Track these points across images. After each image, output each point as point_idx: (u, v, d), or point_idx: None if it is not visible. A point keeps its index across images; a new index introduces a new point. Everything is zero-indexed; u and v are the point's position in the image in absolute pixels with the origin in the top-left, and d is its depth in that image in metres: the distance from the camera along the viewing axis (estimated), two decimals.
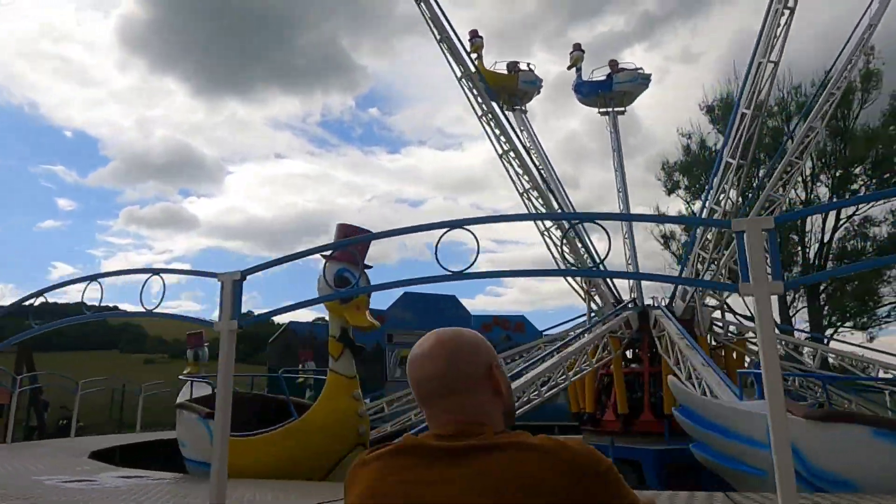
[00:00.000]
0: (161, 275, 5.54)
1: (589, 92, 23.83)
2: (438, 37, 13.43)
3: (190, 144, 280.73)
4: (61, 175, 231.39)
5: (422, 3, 13.83)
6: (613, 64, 24.16)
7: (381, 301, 28.46)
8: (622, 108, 24.02)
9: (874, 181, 27.37)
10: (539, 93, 23.94)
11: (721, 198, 15.43)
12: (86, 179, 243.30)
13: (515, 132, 16.37)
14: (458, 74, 13.44)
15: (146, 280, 5.55)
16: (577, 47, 24.62)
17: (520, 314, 27.43)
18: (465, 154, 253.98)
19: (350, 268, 7.77)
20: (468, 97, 13.72)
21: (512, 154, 15.11)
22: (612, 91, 23.50)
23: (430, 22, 13.33)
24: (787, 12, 14.33)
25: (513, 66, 23.21)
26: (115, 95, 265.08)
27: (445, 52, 13.39)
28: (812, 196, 29.00)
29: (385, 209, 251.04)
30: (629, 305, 16.00)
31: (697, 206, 30.88)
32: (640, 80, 24.11)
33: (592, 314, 17.33)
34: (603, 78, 24.06)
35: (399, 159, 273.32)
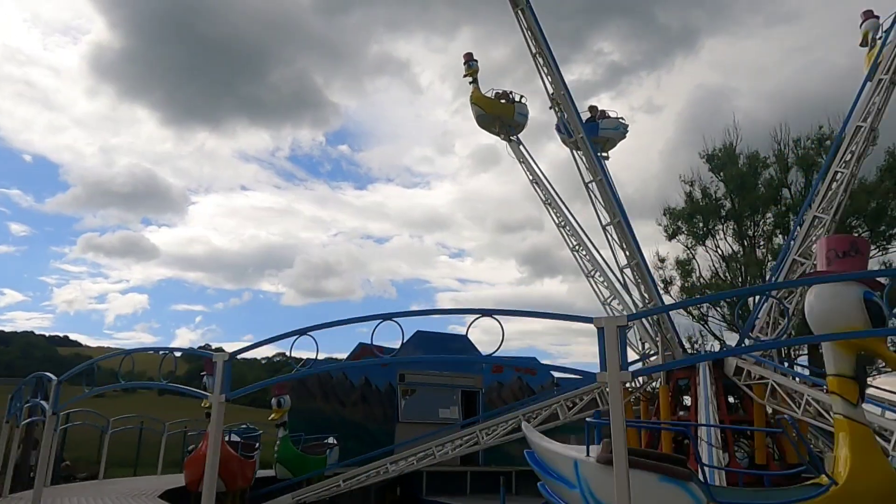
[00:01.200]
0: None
1: (573, 133, 23.69)
2: (534, 50, 12.60)
3: (156, 173, 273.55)
4: (16, 199, 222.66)
5: (520, 11, 12.89)
6: (594, 109, 24.04)
7: (390, 337, 27.45)
8: (606, 154, 23.94)
9: (871, 232, 28.18)
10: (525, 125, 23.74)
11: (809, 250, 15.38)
12: (43, 205, 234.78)
13: (601, 162, 15.70)
14: (551, 92, 12.69)
15: (473, 319, 4.86)
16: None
17: (531, 356, 26.86)
18: (431, 192, 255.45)
19: (874, 291, 6.07)
20: (558, 117, 12.87)
21: (598, 182, 14.39)
22: (597, 135, 23.30)
23: (525, 32, 12.50)
24: (892, 86, 14.63)
25: (503, 95, 22.98)
26: (79, 121, 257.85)
27: (540, 67, 12.56)
28: None
29: (350, 245, 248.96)
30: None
31: (699, 251, 31.28)
32: (622, 129, 24.17)
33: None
34: (585, 119, 23.88)
35: (366, 195, 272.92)
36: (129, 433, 19.46)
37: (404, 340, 7.37)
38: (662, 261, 32.19)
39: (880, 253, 28.23)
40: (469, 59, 23.10)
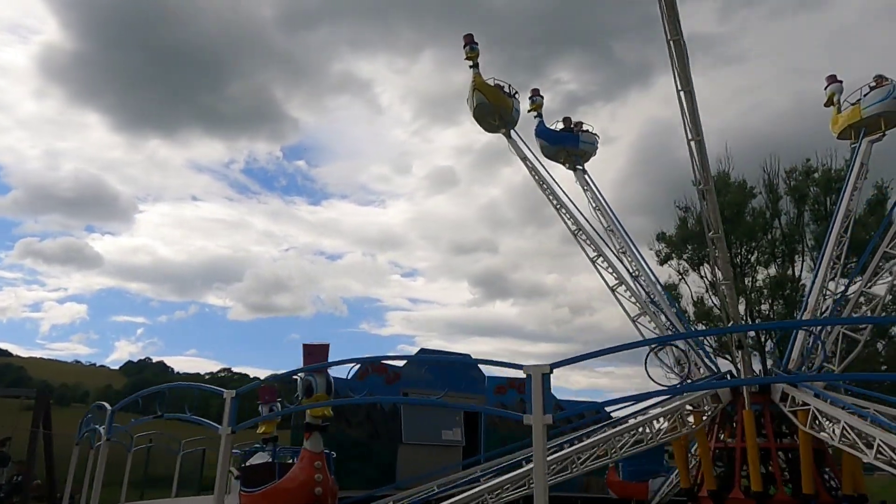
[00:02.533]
0: None
1: (555, 141, 22.42)
2: (669, 37, 11.77)
3: (103, 180, 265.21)
4: None
5: (680, 87, 11.96)
6: (567, 120, 23.15)
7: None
8: (583, 167, 22.46)
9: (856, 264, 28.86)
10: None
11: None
12: None
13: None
14: (679, 87, 11.95)
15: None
16: (536, 92, 23.57)
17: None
18: (386, 211, 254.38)
19: None
20: (684, 112, 12.21)
21: (707, 191, 13.82)
22: (578, 148, 22.37)
23: (664, 13, 11.54)
24: None
25: (499, 88, 21.86)
26: (24, 123, 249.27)
27: (672, 50, 11.70)
28: (794, 273, 30.18)
29: (302, 260, 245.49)
30: (728, 377, 15.51)
31: (692, 277, 31.57)
32: (596, 144, 23.28)
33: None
34: (559, 129, 23.01)
35: (320, 211, 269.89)
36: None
37: None
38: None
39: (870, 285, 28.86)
40: (470, 42, 21.51)
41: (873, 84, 18.55)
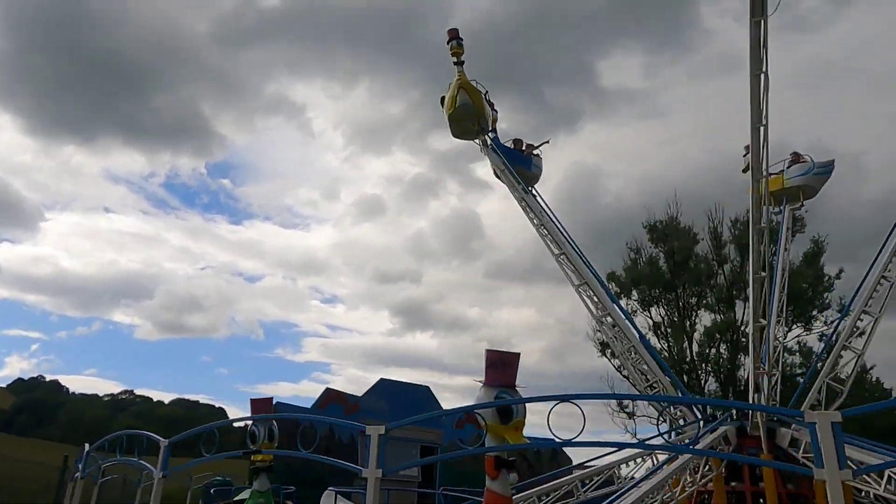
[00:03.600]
0: None
1: (511, 160, 20.77)
2: (751, 70, 11.22)
3: (8, 184, 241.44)
4: None
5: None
6: (518, 142, 21.86)
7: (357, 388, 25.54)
8: (532, 189, 20.76)
9: (799, 314, 30.14)
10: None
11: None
12: None
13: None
14: (753, 121, 11.27)
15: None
16: (491, 106, 21.45)
17: None
18: (310, 235, 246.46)
19: None
20: (754, 148, 11.90)
21: (757, 231, 13.48)
22: (531, 170, 21.12)
23: (752, 45, 11.03)
24: None
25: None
26: None
27: (752, 83, 11.18)
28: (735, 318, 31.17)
29: (219, 280, 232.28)
30: (728, 421, 15.37)
31: (640, 319, 31.94)
32: (541, 171, 22.53)
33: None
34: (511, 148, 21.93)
35: (241, 231, 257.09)
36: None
37: None
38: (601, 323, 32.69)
39: (805, 333, 30.18)
40: (455, 37, 19.78)
41: (791, 159, 20.07)
